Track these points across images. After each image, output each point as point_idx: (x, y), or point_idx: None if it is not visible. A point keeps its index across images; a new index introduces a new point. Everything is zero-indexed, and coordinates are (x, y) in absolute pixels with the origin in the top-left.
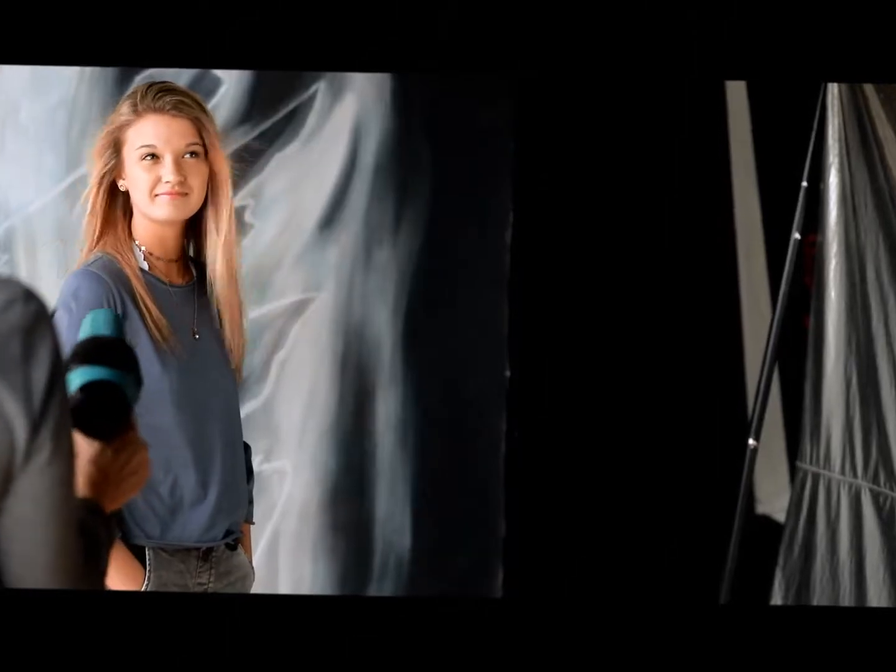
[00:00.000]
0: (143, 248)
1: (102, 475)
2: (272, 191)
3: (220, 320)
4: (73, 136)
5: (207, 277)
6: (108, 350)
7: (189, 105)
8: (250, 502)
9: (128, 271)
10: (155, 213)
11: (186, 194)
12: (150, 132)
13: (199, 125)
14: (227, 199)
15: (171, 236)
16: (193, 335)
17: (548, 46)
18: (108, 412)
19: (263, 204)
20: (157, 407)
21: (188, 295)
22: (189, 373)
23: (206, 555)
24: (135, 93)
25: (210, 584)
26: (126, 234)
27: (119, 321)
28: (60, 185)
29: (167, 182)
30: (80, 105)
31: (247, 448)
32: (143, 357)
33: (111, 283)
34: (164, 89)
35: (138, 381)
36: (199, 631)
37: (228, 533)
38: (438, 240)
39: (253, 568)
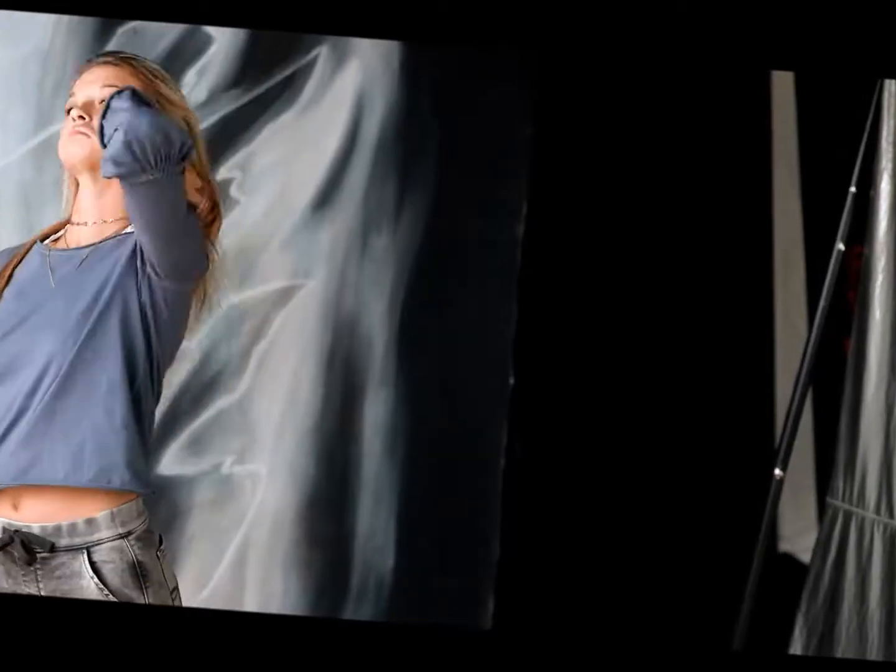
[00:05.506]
0: (73, 221)
1: None
2: (262, 164)
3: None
4: (45, 90)
5: None
6: None
7: (138, 61)
8: None
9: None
10: (60, 156)
11: (89, 136)
12: (79, 82)
13: (143, 78)
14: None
15: (88, 196)
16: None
17: (577, 21)
18: None
19: (251, 178)
20: None
21: (73, 257)
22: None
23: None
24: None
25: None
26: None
27: None
28: (27, 144)
29: (71, 120)
30: (55, 57)
31: None
32: None
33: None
34: (119, 52)
35: None
36: (155, 648)
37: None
38: (443, 229)
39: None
